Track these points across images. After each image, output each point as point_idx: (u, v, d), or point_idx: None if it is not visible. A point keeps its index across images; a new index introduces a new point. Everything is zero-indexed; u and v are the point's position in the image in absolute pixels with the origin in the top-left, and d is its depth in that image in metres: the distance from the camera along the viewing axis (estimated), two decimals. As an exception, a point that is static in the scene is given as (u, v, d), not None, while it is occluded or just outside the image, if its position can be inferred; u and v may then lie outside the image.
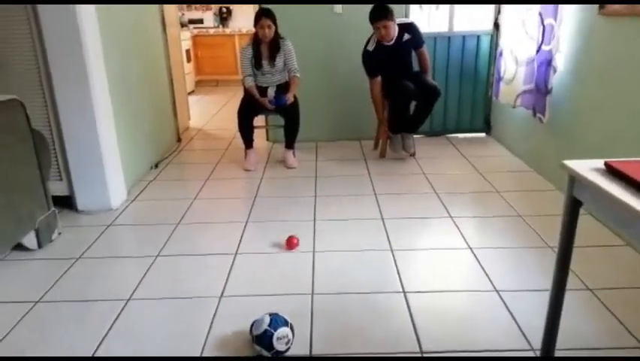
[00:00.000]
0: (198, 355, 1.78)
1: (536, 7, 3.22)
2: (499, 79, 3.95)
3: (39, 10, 2.68)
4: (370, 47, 3.72)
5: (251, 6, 7.39)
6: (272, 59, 3.73)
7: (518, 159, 3.86)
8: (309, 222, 2.85)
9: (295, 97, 3.79)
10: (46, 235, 2.63)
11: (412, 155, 3.99)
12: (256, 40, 3.72)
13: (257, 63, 3.75)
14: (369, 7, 3.63)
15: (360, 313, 2.00)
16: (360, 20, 4.03)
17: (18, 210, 2.41)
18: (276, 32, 3.68)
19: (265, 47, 3.72)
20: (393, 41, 3.67)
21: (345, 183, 3.50)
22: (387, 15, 3.55)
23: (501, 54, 3.91)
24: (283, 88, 3.81)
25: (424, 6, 4.72)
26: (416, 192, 3.29)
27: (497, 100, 4.10)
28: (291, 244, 2.52)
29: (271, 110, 3.79)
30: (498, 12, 4.15)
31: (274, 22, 3.64)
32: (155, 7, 4.24)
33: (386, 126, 3.92)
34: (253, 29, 3.70)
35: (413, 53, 3.83)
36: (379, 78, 3.78)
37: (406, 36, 3.69)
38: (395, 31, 3.64)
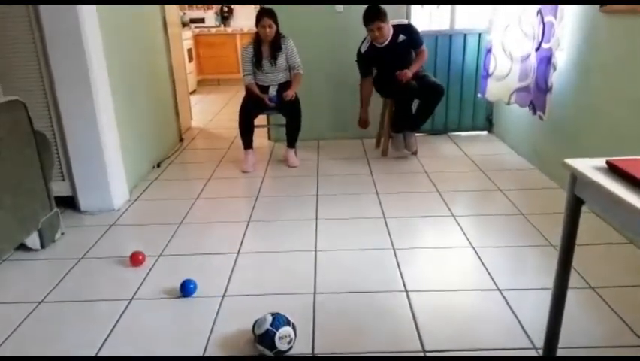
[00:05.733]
0: (201, 354, 1.79)
1: (534, 5, 3.21)
2: (487, 75, 3.93)
3: (40, 10, 2.68)
4: (363, 49, 3.78)
5: (252, 5, 7.43)
6: (273, 58, 3.72)
7: (521, 157, 3.85)
8: (311, 221, 2.85)
9: (297, 96, 3.79)
10: (49, 235, 2.63)
11: (414, 153, 3.98)
12: (257, 40, 3.73)
13: (257, 62, 3.75)
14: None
15: (363, 312, 2.00)
16: (362, 19, 4.02)
17: (21, 210, 2.42)
18: (277, 32, 3.69)
19: (266, 47, 3.72)
20: (387, 42, 3.68)
21: (347, 181, 3.50)
22: (380, 16, 3.57)
23: (489, 50, 3.88)
24: (285, 87, 3.80)
25: (425, 5, 4.71)
26: (418, 190, 3.29)
27: (482, 97, 4.08)
28: (136, 260, 2.40)
29: (272, 106, 3.79)
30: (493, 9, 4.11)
31: (275, 21, 3.64)
32: (156, 7, 4.25)
33: (363, 115, 3.99)
34: (254, 28, 3.70)
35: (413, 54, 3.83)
36: (370, 78, 3.86)
37: (401, 37, 3.70)
38: (389, 32, 3.66)
